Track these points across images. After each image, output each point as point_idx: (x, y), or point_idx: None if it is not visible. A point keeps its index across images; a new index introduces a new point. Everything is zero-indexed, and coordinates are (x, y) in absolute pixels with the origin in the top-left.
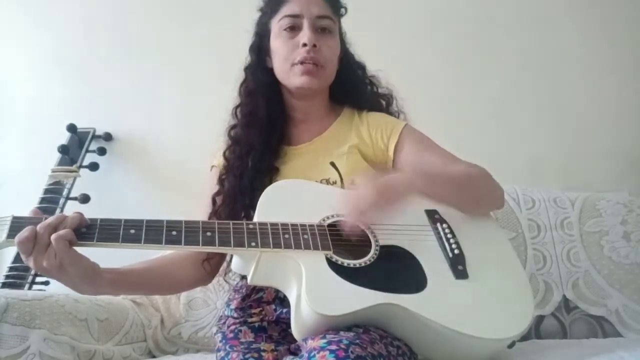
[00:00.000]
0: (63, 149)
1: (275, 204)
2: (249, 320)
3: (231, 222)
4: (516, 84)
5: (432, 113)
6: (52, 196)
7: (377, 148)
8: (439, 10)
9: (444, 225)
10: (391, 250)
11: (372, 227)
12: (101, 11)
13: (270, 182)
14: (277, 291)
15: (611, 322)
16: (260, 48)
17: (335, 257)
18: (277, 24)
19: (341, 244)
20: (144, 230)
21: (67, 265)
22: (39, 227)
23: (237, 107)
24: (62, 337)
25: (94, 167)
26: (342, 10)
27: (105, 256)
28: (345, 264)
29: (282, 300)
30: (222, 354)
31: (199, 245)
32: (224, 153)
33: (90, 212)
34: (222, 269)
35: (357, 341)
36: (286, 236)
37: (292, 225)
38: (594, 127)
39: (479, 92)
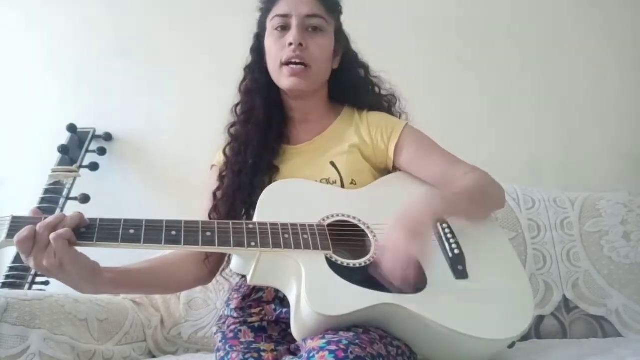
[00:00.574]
0: (63, 149)
1: (275, 204)
2: (249, 320)
3: (231, 222)
4: (516, 84)
5: (432, 113)
6: (52, 196)
7: (377, 148)
8: (439, 10)
9: (444, 225)
10: None
11: (372, 227)
12: (101, 11)
13: (270, 181)
14: (277, 291)
15: (611, 322)
16: (259, 48)
17: (335, 257)
18: (270, 24)
19: (341, 243)
20: (143, 230)
21: (67, 265)
22: (38, 226)
23: (236, 105)
24: (62, 337)
25: (94, 167)
26: (339, 8)
27: (105, 256)
28: (345, 264)
29: (282, 300)
30: (222, 353)
31: (198, 245)
32: (224, 150)
33: (90, 212)
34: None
35: (357, 341)
36: (286, 236)
37: (292, 225)
38: (594, 127)
39: (479, 92)
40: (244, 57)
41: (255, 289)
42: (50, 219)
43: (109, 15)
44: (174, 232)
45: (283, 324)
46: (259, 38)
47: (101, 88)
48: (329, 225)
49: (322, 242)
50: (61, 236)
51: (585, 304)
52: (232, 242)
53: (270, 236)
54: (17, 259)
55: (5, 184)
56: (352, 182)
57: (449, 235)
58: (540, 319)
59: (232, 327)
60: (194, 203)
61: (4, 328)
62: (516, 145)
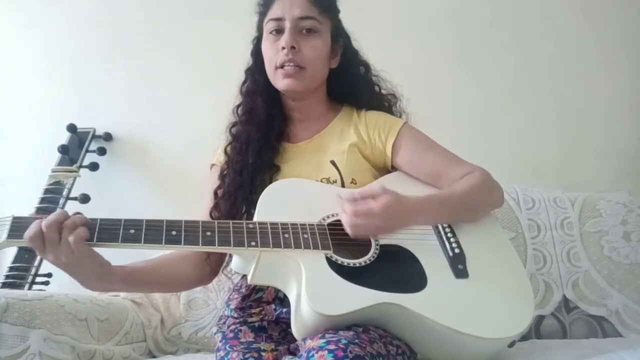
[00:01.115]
0: (63, 149)
1: (275, 204)
2: (249, 320)
3: (231, 221)
4: (516, 84)
5: (432, 113)
6: (52, 196)
7: (375, 147)
8: (439, 10)
9: (444, 225)
10: (391, 249)
11: None
12: (101, 11)
13: (270, 180)
14: (277, 291)
15: (611, 322)
16: (258, 51)
17: (335, 257)
18: (265, 27)
19: (341, 243)
20: (143, 230)
21: (85, 263)
22: (43, 225)
23: (237, 106)
24: (62, 337)
25: (94, 167)
26: (334, 8)
27: (104, 254)
28: (345, 264)
29: (282, 300)
30: (222, 353)
31: (198, 245)
32: (225, 149)
33: (90, 212)
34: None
35: (356, 341)
36: (286, 236)
37: (292, 224)
38: (594, 127)
39: (479, 92)
40: (244, 57)
41: (256, 289)
42: (53, 216)
43: (109, 15)
44: (174, 232)
45: (283, 323)
46: (258, 41)
47: (101, 88)
48: (329, 224)
49: (322, 242)
50: (81, 237)
51: (585, 304)
52: (232, 242)
53: (270, 236)
54: (17, 259)
55: (5, 184)
56: (353, 181)
57: (449, 235)
58: (540, 318)
59: (232, 327)
60: (194, 203)
61: (4, 328)
62: (516, 145)
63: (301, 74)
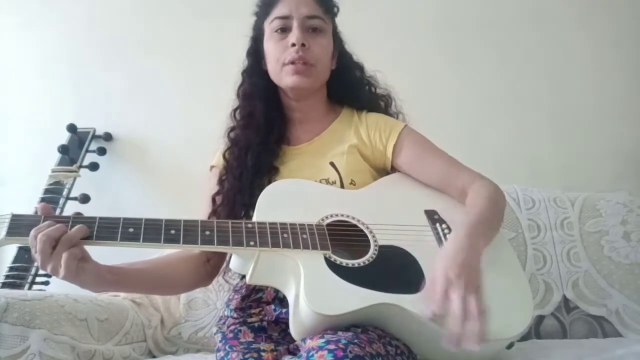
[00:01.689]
0: (63, 149)
1: (274, 204)
2: (249, 320)
3: (230, 221)
4: (517, 84)
5: (432, 113)
6: (52, 196)
7: (375, 149)
8: (440, 10)
9: (443, 226)
10: (390, 250)
11: (371, 227)
12: (101, 11)
13: (269, 182)
14: (277, 291)
15: (611, 322)
16: (256, 51)
17: (334, 257)
18: (269, 26)
19: (340, 243)
20: (142, 229)
21: (81, 277)
22: (39, 237)
23: (235, 109)
24: (62, 337)
25: (94, 167)
26: (335, 9)
27: (104, 254)
28: (344, 264)
29: (281, 301)
30: (221, 354)
31: (197, 244)
32: (224, 154)
33: (90, 212)
34: (221, 269)
35: (356, 341)
36: (285, 236)
37: (291, 224)
38: (594, 127)
39: (479, 92)
40: (244, 57)
41: (255, 290)
42: (51, 231)
43: (109, 15)
44: (173, 231)
45: (283, 324)
46: (256, 41)
47: (101, 88)
48: (328, 225)
49: (321, 242)
50: (74, 256)
51: (585, 304)
52: (230, 242)
53: (269, 236)
54: (17, 259)
55: (5, 184)
56: (352, 183)
57: (448, 236)
58: (540, 319)
59: (232, 327)
60: (194, 203)
61: (4, 328)
62: (516, 145)
63: (310, 71)
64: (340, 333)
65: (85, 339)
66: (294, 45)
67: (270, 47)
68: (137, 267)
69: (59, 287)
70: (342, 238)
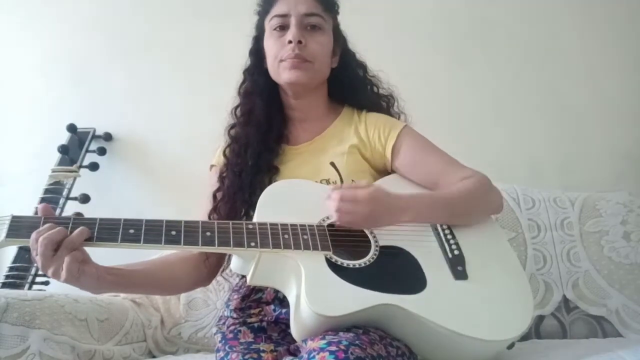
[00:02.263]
0: (63, 149)
1: (275, 204)
2: (248, 320)
3: (230, 222)
4: (516, 84)
5: (432, 113)
6: (52, 196)
7: (374, 149)
8: (440, 10)
9: (444, 226)
10: (391, 251)
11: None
12: (101, 11)
13: (270, 181)
14: (277, 291)
15: (611, 322)
16: (258, 50)
17: (334, 258)
18: (268, 24)
19: (341, 244)
20: (143, 230)
21: (81, 280)
22: (40, 241)
23: (236, 107)
24: (62, 337)
25: (94, 167)
26: (336, 7)
27: (104, 253)
28: (345, 265)
29: (281, 301)
30: (221, 354)
31: (198, 245)
32: (224, 151)
33: (90, 212)
34: (221, 268)
35: (357, 342)
36: (285, 236)
37: (292, 225)
38: (594, 127)
39: (479, 92)
40: (244, 57)
41: (255, 290)
42: (52, 234)
43: (109, 15)
44: (173, 232)
45: (283, 324)
46: (258, 40)
47: (101, 88)
48: (329, 225)
49: (321, 243)
50: (76, 259)
51: (585, 304)
52: (231, 242)
53: (270, 236)
54: (17, 259)
55: (5, 184)
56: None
57: (449, 236)
58: (540, 319)
59: (232, 327)
60: (194, 203)
61: (4, 328)
62: (516, 145)
63: (307, 66)
64: (341, 334)
65: (85, 339)
66: (290, 42)
67: (269, 45)
68: (136, 268)
69: (59, 287)
70: (342, 239)
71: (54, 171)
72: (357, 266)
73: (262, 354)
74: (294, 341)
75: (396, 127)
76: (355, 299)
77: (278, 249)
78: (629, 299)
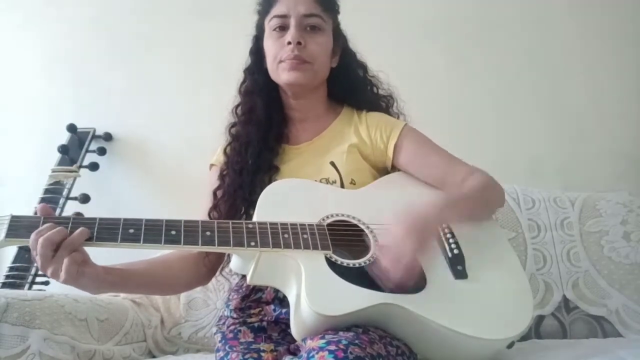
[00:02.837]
0: (63, 149)
1: (275, 204)
2: (248, 320)
3: (230, 221)
4: (516, 84)
5: (432, 113)
6: (52, 196)
7: (376, 148)
8: (439, 10)
9: (444, 225)
10: None
11: (372, 227)
12: (101, 11)
13: (270, 180)
14: (277, 291)
15: (611, 322)
16: (258, 49)
17: (334, 257)
18: (268, 25)
19: (341, 243)
20: (143, 230)
21: (80, 281)
22: (40, 242)
23: (237, 106)
24: (62, 337)
25: (94, 167)
26: (336, 7)
27: (103, 253)
28: (345, 264)
29: (281, 301)
30: (221, 354)
31: (198, 245)
32: (225, 149)
33: (90, 212)
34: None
35: (356, 341)
36: (285, 236)
37: (292, 225)
38: (594, 127)
39: (479, 92)
40: (244, 57)
41: (255, 290)
42: (52, 234)
43: (109, 15)
44: (173, 232)
45: (282, 324)
46: (258, 40)
47: (101, 88)
48: (329, 225)
49: (321, 242)
50: (75, 261)
51: (585, 304)
52: (231, 242)
53: (270, 236)
54: (17, 259)
55: (5, 184)
56: (352, 182)
57: (449, 235)
58: (540, 319)
59: (232, 327)
60: (194, 203)
61: (4, 328)
62: (516, 145)
63: (306, 67)
64: (341, 333)
65: (85, 339)
66: (290, 43)
67: (269, 45)
68: (135, 267)
69: (59, 287)
70: (342, 238)
71: (54, 171)
72: (357, 265)
73: (262, 354)
74: (294, 341)
75: (398, 126)
76: (355, 299)
77: (278, 249)
78: (629, 299)
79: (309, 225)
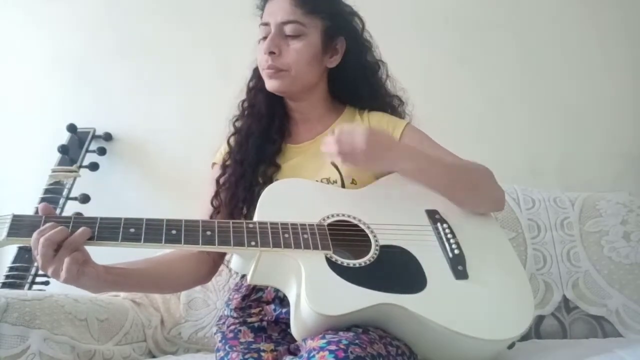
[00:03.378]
0: (63, 149)
1: (275, 203)
2: (248, 320)
3: (231, 221)
4: (516, 84)
5: (432, 113)
6: (52, 196)
7: None
8: (439, 10)
9: (444, 225)
10: (391, 250)
11: (372, 227)
12: (101, 11)
13: (270, 173)
14: (277, 291)
15: (611, 322)
16: None
17: (335, 257)
18: (258, 32)
19: (341, 243)
20: (143, 230)
21: (81, 281)
22: (41, 241)
23: (242, 100)
24: (62, 337)
25: (94, 167)
26: (326, 6)
27: (103, 252)
28: (345, 264)
29: (281, 300)
30: (221, 354)
31: (198, 244)
32: (228, 140)
33: (90, 212)
34: (220, 266)
35: (357, 341)
36: (286, 236)
37: (292, 224)
38: (594, 127)
39: (479, 92)
40: (244, 57)
41: (255, 289)
42: (54, 234)
43: (109, 15)
44: (174, 232)
45: (283, 324)
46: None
47: (101, 88)
48: (329, 225)
49: (322, 242)
50: (76, 260)
51: (585, 304)
52: (232, 242)
53: (270, 236)
54: (17, 258)
55: (5, 184)
56: (353, 182)
57: (449, 235)
58: (540, 319)
59: (232, 327)
60: (194, 203)
61: (4, 328)
62: (516, 145)
63: (282, 74)
64: (341, 333)
65: (85, 339)
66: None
67: (258, 53)
68: (136, 266)
69: (59, 287)
70: (343, 238)
71: (54, 171)
72: (358, 265)
73: (262, 354)
74: (294, 341)
75: (399, 125)
76: (355, 299)
77: (278, 248)
78: (629, 299)
79: (309, 225)
